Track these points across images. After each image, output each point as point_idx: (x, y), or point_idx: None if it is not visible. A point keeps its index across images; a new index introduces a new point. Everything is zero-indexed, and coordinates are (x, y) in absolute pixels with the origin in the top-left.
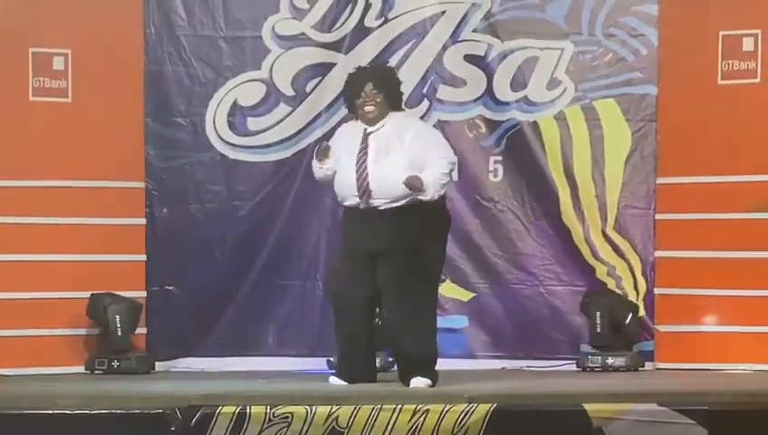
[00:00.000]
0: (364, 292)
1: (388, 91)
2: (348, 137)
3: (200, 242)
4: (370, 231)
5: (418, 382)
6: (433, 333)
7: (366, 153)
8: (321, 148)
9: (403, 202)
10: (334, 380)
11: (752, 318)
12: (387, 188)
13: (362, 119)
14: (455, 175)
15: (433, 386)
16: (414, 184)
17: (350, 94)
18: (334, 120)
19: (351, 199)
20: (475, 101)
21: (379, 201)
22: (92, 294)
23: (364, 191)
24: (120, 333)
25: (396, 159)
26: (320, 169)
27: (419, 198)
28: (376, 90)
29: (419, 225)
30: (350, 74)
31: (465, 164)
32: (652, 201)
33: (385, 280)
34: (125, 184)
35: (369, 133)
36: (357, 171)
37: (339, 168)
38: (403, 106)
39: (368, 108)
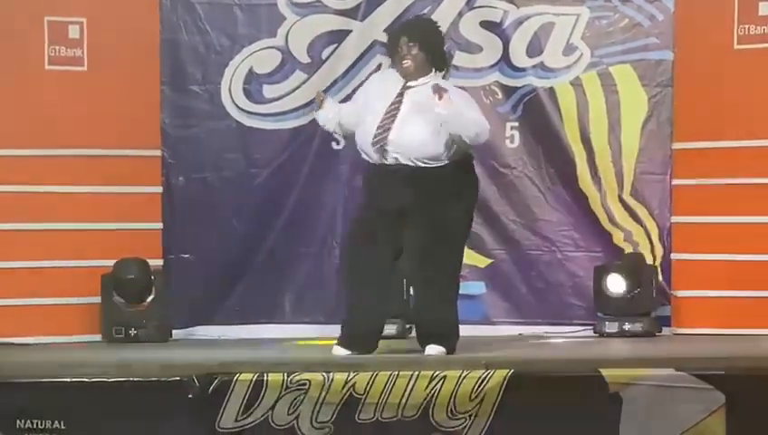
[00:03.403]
0: (387, 251)
1: (424, 42)
2: (382, 86)
3: (217, 210)
4: (393, 188)
5: (433, 350)
6: (452, 300)
7: (398, 108)
8: (317, 96)
9: (423, 164)
10: (336, 349)
11: None
12: (408, 148)
13: (402, 74)
14: None
15: (448, 354)
16: (439, 90)
17: (390, 52)
18: (350, 87)
19: (370, 154)
20: (492, 67)
21: (395, 158)
22: (116, 262)
23: (380, 145)
24: (125, 302)
25: (427, 120)
26: (321, 119)
27: (436, 109)
28: (411, 42)
29: (442, 185)
30: (388, 32)
31: None
32: (669, 167)
33: (409, 240)
34: (141, 152)
35: (408, 88)
36: (380, 123)
37: (364, 118)
38: (447, 66)
39: (405, 62)
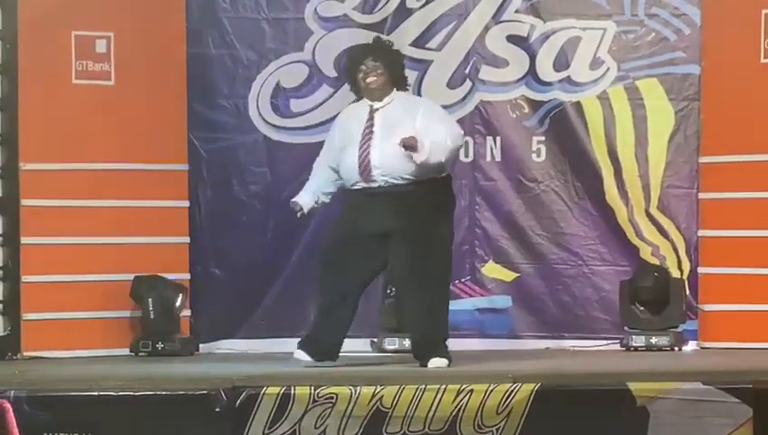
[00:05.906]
0: (362, 273)
1: (388, 63)
2: (352, 121)
3: (244, 224)
4: (377, 211)
5: (437, 362)
6: (447, 313)
7: (372, 131)
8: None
9: (407, 181)
10: (300, 353)
11: None
12: (390, 164)
13: (366, 93)
14: (497, 154)
15: (449, 365)
16: (409, 143)
17: (351, 71)
18: None
19: (356, 182)
20: (518, 81)
21: (382, 178)
22: (135, 277)
23: (365, 168)
24: (152, 317)
25: (402, 136)
26: (305, 206)
27: (415, 159)
28: (376, 62)
29: (427, 204)
30: (348, 52)
31: (508, 144)
32: (695, 181)
33: (399, 261)
34: (168, 166)
35: (376, 110)
36: (360, 149)
37: (345, 154)
38: (407, 86)
39: (370, 79)
